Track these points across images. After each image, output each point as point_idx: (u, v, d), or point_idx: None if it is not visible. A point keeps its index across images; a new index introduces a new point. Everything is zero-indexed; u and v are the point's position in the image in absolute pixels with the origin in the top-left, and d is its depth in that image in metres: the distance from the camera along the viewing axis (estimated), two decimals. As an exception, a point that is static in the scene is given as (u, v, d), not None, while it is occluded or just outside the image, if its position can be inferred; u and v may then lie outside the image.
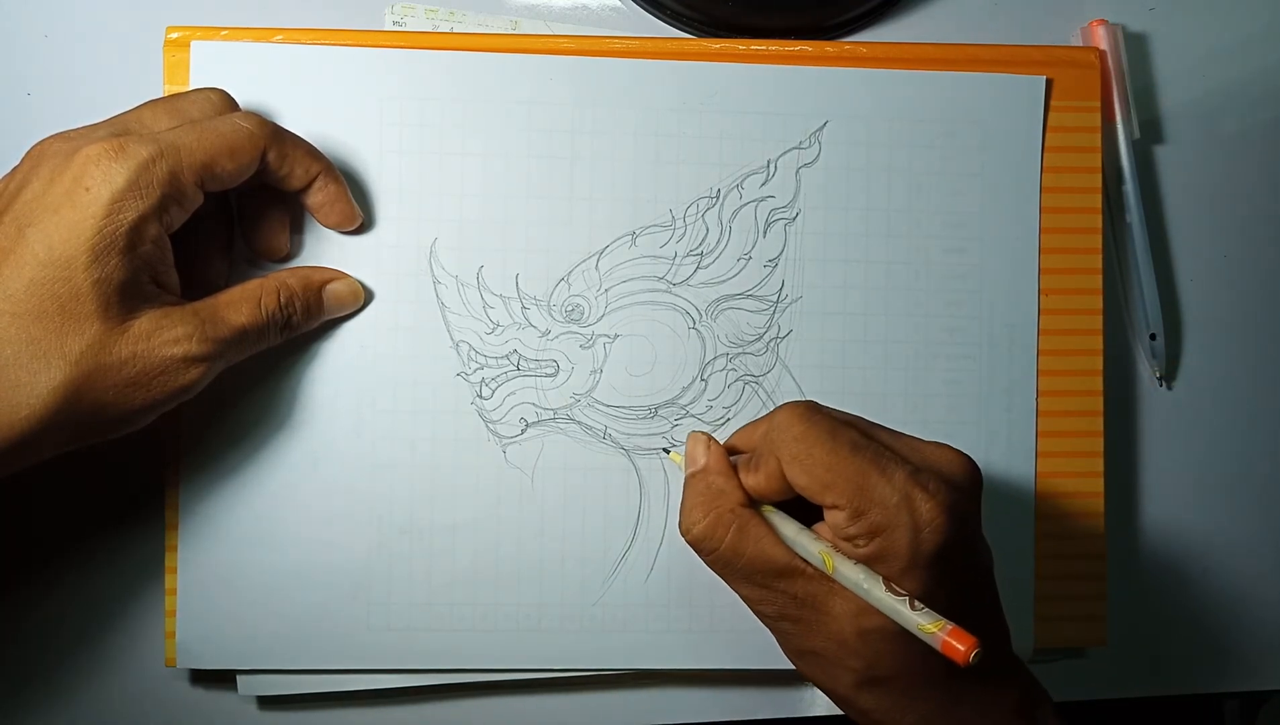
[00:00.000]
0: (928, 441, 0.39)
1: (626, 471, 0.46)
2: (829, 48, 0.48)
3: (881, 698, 0.38)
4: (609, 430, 0.46)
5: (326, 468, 0.45)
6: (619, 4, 0.50)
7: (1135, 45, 0.52)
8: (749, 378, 0.47)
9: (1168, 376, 0.52)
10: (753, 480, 0.39)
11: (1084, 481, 0.48)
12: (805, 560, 0.38)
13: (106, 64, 0.48)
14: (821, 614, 0.38)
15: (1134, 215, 0.50)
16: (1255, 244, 0.52)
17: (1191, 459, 0.52)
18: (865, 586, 0.36)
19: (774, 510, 0.39)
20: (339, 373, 0.45)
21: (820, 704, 0.50)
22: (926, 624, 0.35)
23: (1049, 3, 0.51)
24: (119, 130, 0.39)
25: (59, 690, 0.47)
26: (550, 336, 0.46)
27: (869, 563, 0.36)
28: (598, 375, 0.46)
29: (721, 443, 0.42)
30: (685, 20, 0.50)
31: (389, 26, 0.48)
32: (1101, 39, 0.50)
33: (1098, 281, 0.49)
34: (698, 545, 0.39)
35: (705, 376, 0.47)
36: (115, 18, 0.48)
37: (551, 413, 0.46)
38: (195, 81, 0.45)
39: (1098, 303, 0.48)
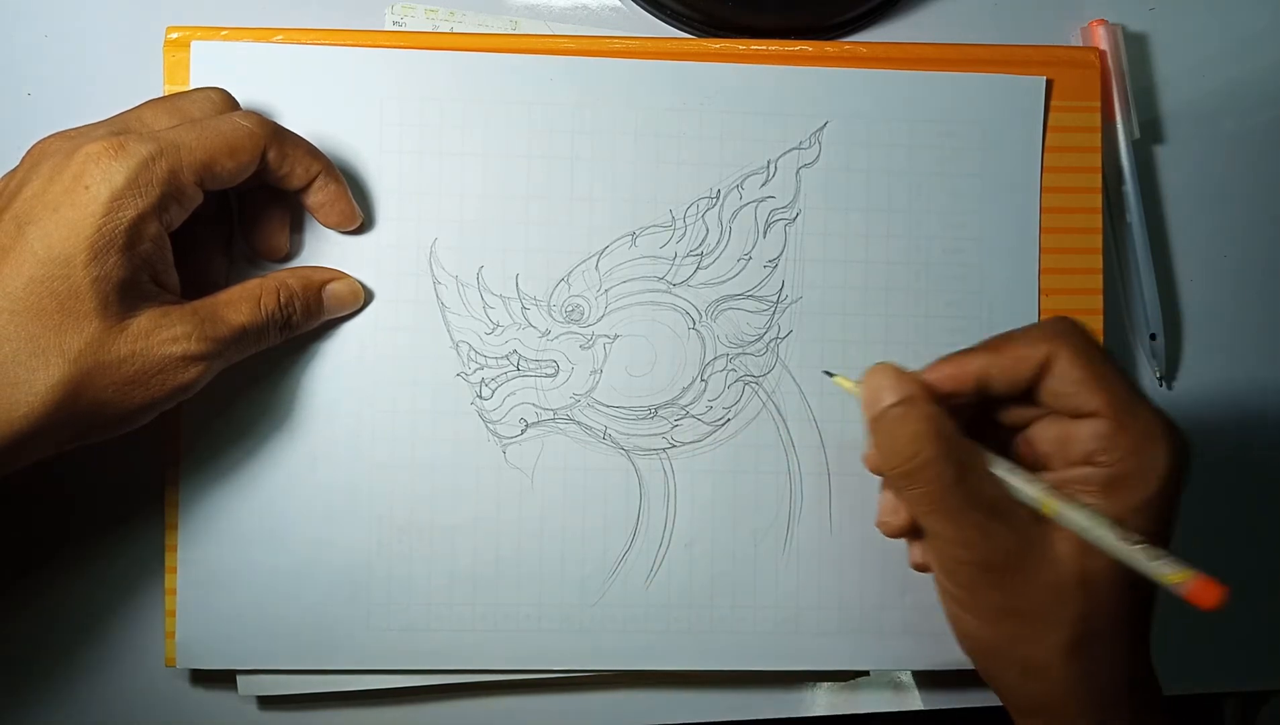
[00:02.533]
0: None
1: (626, 472, 0.46)
2: (829, 48, 0.48)
3: (1087, 662, 0.36)
4: (609, 431, 0.46)
5: (326, 467, 0.45)
6: (619, 4, 0.50)
7: (1135, 45, 0.52)
8: (749, 378, 0.47)
9: (1168, 376, 0.52)
10: (986, 360, 0.37)
11: (1084, 481, 0.48)
12: (1019, 503, 0.36)
13: (106, 64, 0.48)
14: (1039, 557, 0.36)
15: (1134, 215, 0.50)
16: (1255, 244, 0.52)
17: (1192, 459, 0.52)
18: (1098, 530, 0.35)
19: (981, 447, 0.37)
20: (339, 373, 0.45)
21: (820, 704, 0.50)
22: (1170, 572, 0.33)
23: (1049, 3, 0.51)
24: (119, 129, 0.39)
25: (59, 690, 0.47)
26: (550, 337, 0.46)
27: (1109, 486, 0.36)
28: (598, 375, 0.46)
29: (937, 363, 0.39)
30: (685, 20, 0.50)
31: (389, 26, 0.49)
32: (1101, 39, 0.50)
33: (1098, 281, 0.48)
34: (918, 475, 0.36)
35: (705, 377, 0.47)
36: (115, 18, 0.48)
37: (551, 413, 0.46)
38: (195, 81, 0.45)
39: (1098, 303, 0.48)
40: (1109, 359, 0.38)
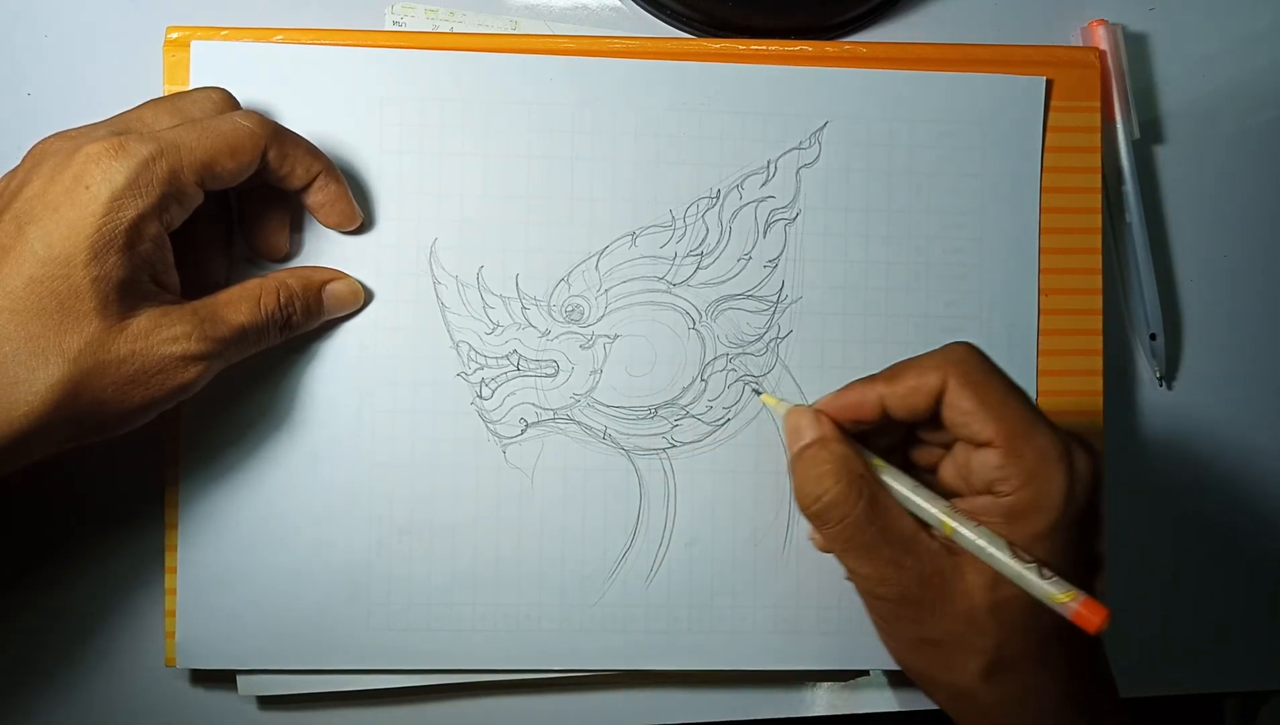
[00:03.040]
0: None
1: (626, 472, 0.46)
2: (829, 48, 0.48)
3: (1009, 686, 0.37)
4: (609, 430, 0.46)
5: (326, 467, 0.45)
6: (619, 4, 0.50)
7: (1135, 45, 0.52)
8: (749, 378, 0.47)
9: (1168, 376, 0.52)
10: (885, 389, 0.38)
11: (1084, 481, 0.48)
12: (930, 534, 0.37)
13: (106, 64, 0.48)
14: (950, 590, 0.36)
15: (1134, 215, 0.50)
16: (1255, 244, 0.52)
17: (1191, 459, 0.52)
18: (990, 550, 0.35)
19: (890, 469, 0.38)
20: (339, 373, 0.45)
21: (820, 704, 0.50)
22: (1058, 593, 0.33)
23: (1049, 3, 0.51)
24: (119, 129, 0.39)
25: (59, 690, 0.47)
26: (550, 337, 0.46)
27: (1010, 515, 0.35)
28: (598, 375, 0.46)
29: (815, 405, 0.40)
30: (685, 20, 0.50)
31: (389, 26, 0.49)
32: (1101, 39, 0.50)
33: (1098, 281, 0.49)
34: (826, 514, 0.38)
35: (705, 377, 0.47)
36: (115, 18, 0.48)
37: (551, 413, 0.46)
38: (195, 81, 0.45)
39: (1098, 303, 0.48)
40: (1005, 384, 0.37)
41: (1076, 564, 0.36)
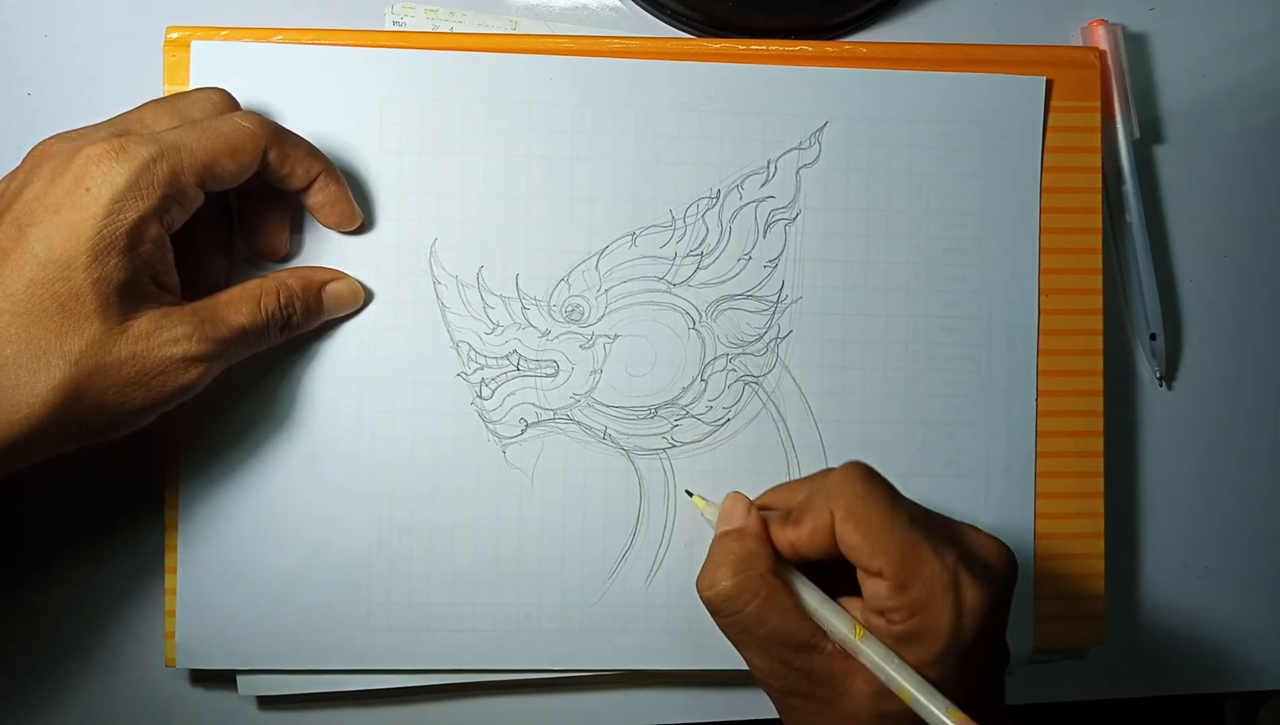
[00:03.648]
0: (970, 527, 0.38)
1: (626, 472, 0.46)
2: (829, 48, 0.48)
3: None
4: (609, 430, 0.46)
5: (326, 468, 0.45)
6: (619, 4, 0.50)
7: (1135, 45, 0.52)
8: (749, 378, 0.47)
9: (1168, 376, 0.52)
10: (791, 534, 0.38)
11: (1084, 482, 0.48)
12: (827, 638, 0.37)
13: (106, 64, 0.48)
14: (838, 693, 0.37)
15: (1134, 215, 0.50)
16: (1255, 244, 0.52)
17: (1191, 459, 0.52)
18: (888, 668, 0.35)
19: (801, 577, 0.38)
20: (339, 373, 0.45)
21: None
22: (943, 717, 0.34)
23: (1049, 3, 0.51)
24: (120, 130, 0.39)
25: (59, 690, 0.47)
26: (550, 337, 0.46)
27: (900, 642, 0.36)
28: (597, 375, 0.46)
29: (754, 500, 0.41)
30: (685, 20, 0.50)
31: (389, 26, 0.48)
32: (1101, 39, 0.50)
33: (1098, 281, 0.49)
34: (717, 606, 0.38)
35: (705, 377, 0.47)
36: (115, 18, 0.48)
37: (551, 413, 0.46)
38: (195, 81, 0.45)
39: (1098, 303, 0.48)
40: (889, 510, 0.36)
41: (968, 688, 0.36)
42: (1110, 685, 0.52)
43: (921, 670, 0.35)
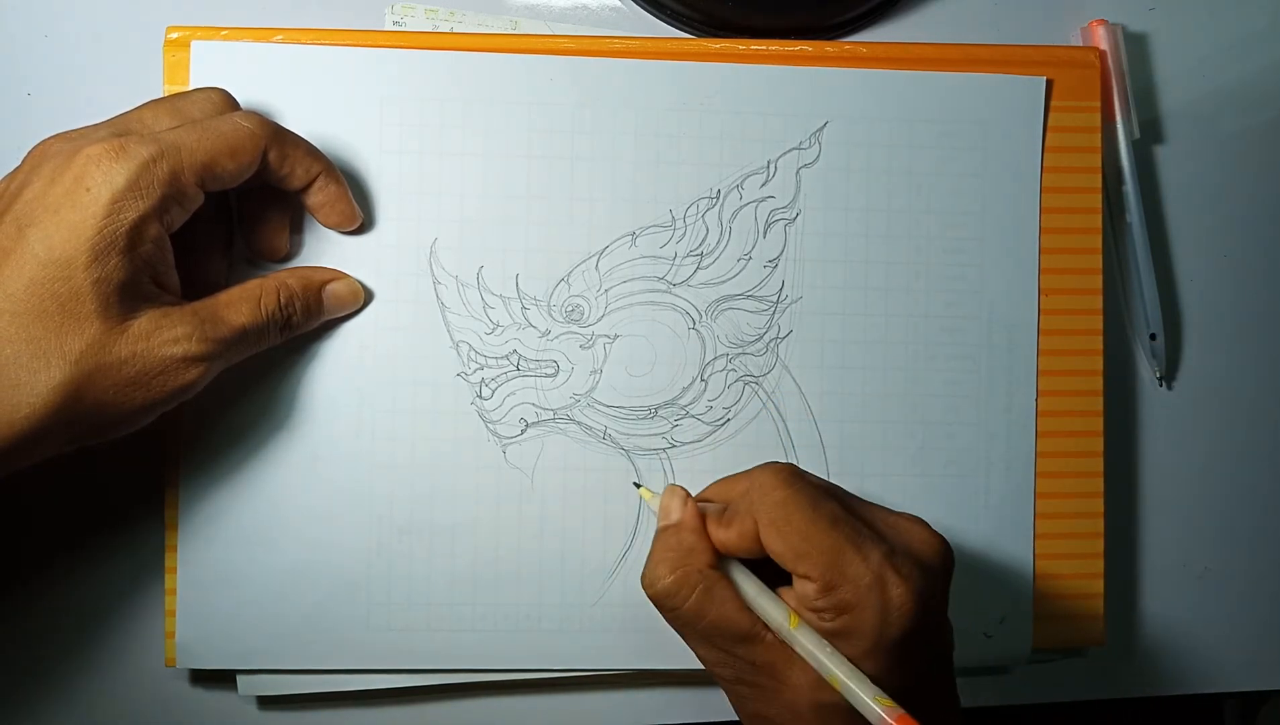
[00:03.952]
0: (903, 515, 0.39)
1: (626, 472, 0.46)
2: (829, 48, 0.48)
3: None
4: (609, 430, 0.46)
5: (326, 467, 0.45)
6: (619, 4, 0.50)
7: (1135, 45, 0.52)
8: (749, 378, 0.47)
9: (1168, 376, 0.52)
10: (723, 535, 0.39)
11: (1084, 481, 0.48)
12: (766, 627, 0.37)
13: (106, 64, 0.48)
14: (779, 682, 0.37)
15: (1134, 215, 0.50)
16: (1255, 244, 0.52)
17: (1191, 459, 0.52)
18: (821, 658, 0.36)
19: (740, 567, 0.39)
20: (339, 373, 0.45)
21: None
22: (875, 706, 0.34)
23: (1049, 3, 0.51)
24: (120, 130, 0.38)
25: (59, 690, 0.47)
26: (550, 337, 0.46)
27: (831, 638, 0.36)
28: (597, 375, 0.46)
29: (696, 494, 0.41)
30: (685, 20, 0.50)
31: (389, 26, 0.48)
32: (1101, 39, 0.50)
33: (1098, 281, 0.49)
34: (659, 601, 0.39)
35: (705, 377, 0.47)
36: (115, 18, 0.48)
37: (551, 413, 0.46)
38: (195, 81, 0.45)
39: (1098, 303, 0.48)
40: (809, 512, 0.36)
41: (903, 681, 0.36)
42: (1110, 685, 0.52)
43: (856, 662, 0.36)
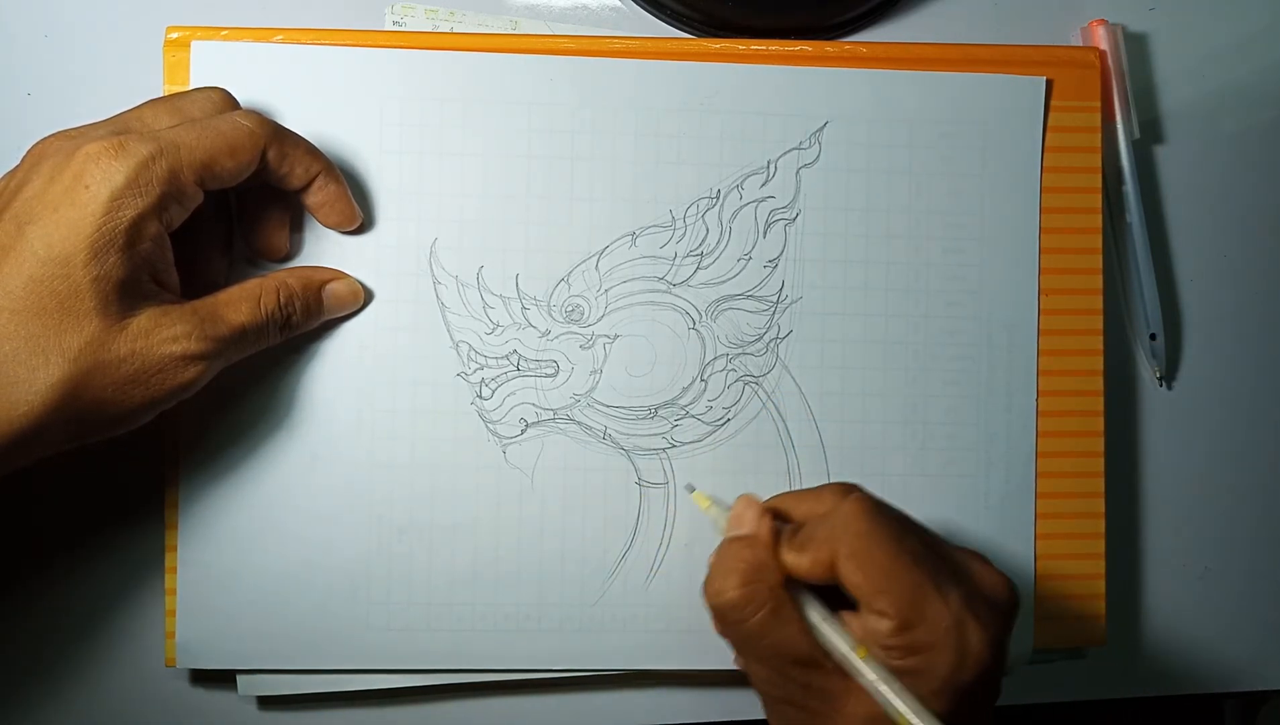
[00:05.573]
0: (967, 551, 0.38)
1: (626, 471, 0.46)
2: (829, 48, 0.48)
3: None
4: (609, 430, 0.46)
5: (326, 467, 0.45)
6: (619, 4, 0.50)
7: (1135, 45, 0.52)
8: (749, 378, 0.47)
9: (1168, 376, 0.52)
10: (795, 560, 0.38)
11: (1084, 482, 0.48)
12: (828, 654, 0.37)
13: (106, 64, 0.48)
14: (833, 709, 0.37)
15: (1134, 215, 0.50)
16: (1255, 244, 0.52)
17: (1191, 459, 0.52)
18: (888, 695, 0.35)
19: (809, 593, 0.38)
20: (339, 373, 0.45)
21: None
22: None
23: (1049, 3, 0.51)
24: (119, 129, 0.38)
25: (59, 690, 0.47)
26: (550, 337, 0.46)
27: (898, 675, 0.36)
28: (597, 375, 0.46)
29: (765, 502, 0.41)
30: (685, 20, 0.50)
31: (389, 26, 0.49)
32: (1101, 39, 0.50)
33: (1098, 281, 0.48)
34: (723, 613, 0.38)
35: (705, 377, 0.47)
36: (115, 18, 0.48)
37: (551, 413, 0.46)
38: (195, 81, 0.45)
39: (1098, 303, 0.48)
40: (892, 548, 0.36)
41: (974, 720, 0.36)
42: (1110, 685, 0.52)
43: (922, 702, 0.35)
